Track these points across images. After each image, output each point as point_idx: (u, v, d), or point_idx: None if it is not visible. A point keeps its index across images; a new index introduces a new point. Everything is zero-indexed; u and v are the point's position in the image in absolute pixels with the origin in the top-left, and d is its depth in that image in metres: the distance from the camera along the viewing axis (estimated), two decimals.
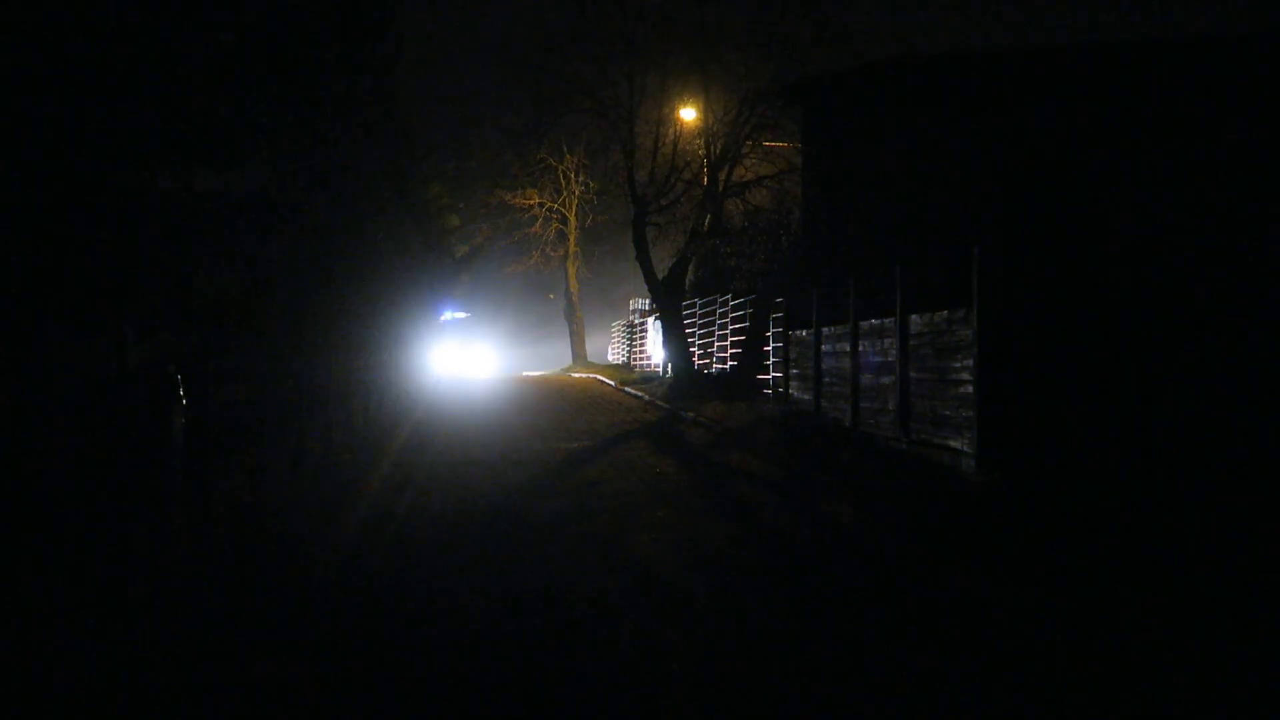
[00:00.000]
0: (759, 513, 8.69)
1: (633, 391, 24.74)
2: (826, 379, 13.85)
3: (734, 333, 24.11)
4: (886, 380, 11.32)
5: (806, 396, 14.69)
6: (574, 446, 13.38)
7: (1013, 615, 5.50)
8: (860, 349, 12.29)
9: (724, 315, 25.19)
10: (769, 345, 19.67)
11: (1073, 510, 7.85)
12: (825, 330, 13.89)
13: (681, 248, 24.34)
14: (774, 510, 8.87)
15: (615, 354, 46.43)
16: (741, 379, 21.10)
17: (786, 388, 16.31)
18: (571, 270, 42.55)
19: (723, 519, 8.31)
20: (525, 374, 38.74)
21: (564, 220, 40.94)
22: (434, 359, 37.16)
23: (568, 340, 45.15)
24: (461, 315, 46.29)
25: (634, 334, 40.93)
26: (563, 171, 38.87)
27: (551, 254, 41.64)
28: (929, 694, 4.33)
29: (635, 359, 39.47)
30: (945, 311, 9.86)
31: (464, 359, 42.89)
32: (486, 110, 36.01)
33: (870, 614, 5.54)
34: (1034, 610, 5.59)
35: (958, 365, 9.50)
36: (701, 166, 23.54)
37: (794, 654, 4.85)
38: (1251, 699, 4.31)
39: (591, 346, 46.71)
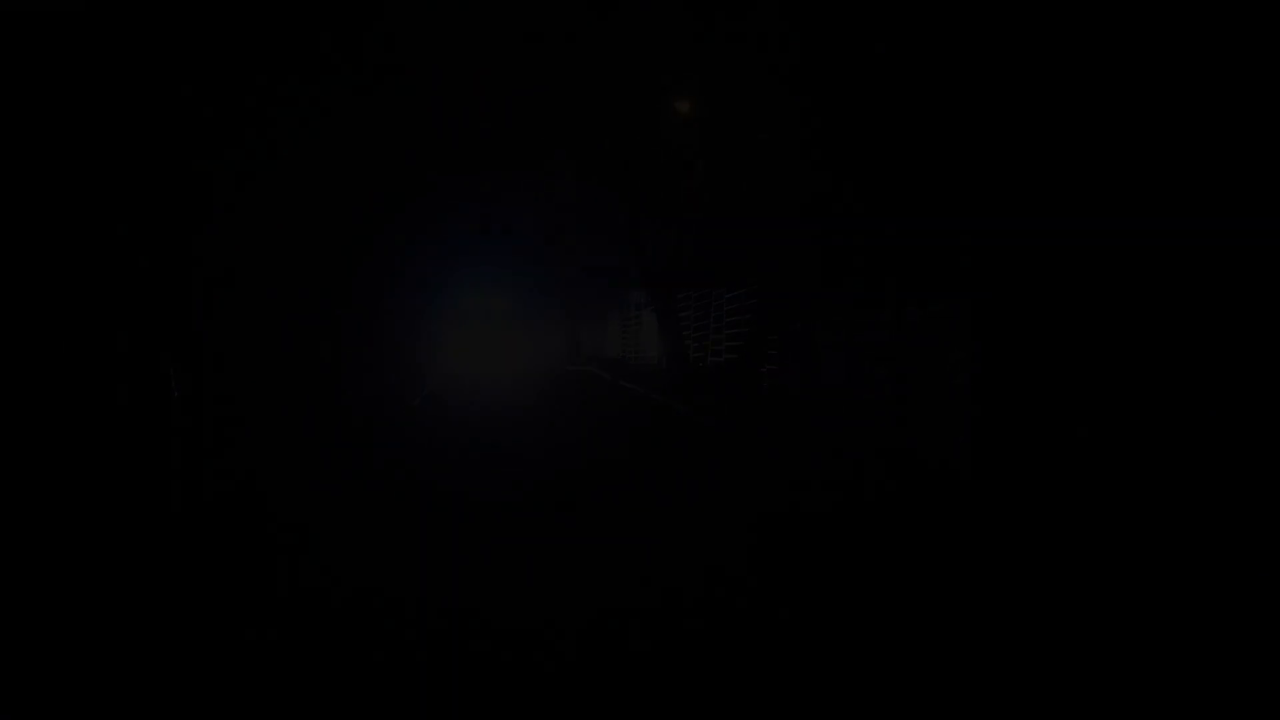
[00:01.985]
0: (753, 505, 8.66)
1: (628, 385, 24.73)
2: (822, 372, 13.83)
3: (730, 325, 24.07)
4: (882, 373, 11.30)
5: (803, 390, 14.66)
6: (572, 441, 13.37)
7: (1000, 608, 5.49)
8: (856, 341, 12.27)
9: (719, 308, 25.14)
10: (765, 338, 19.63)
11: (1068, 505, 7.83)
12: (820, 323, 13.87)
13: (677, 239, 24.28)
14: (766, 503, 8.84)
15: (611, 347, 46.42)
16: (738, 372, 21.08)
17: (782, 380, 16.29)
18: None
19: (717, 512, 8.28)
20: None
21: None
22: (449, 351, 36.57)
23: (563, 334, 45.10)
24: (491, 303, 45.30)
25: (629, 327, 40.92)
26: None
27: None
28: (916, 682, 4.32)
29: (631, 353, 39.47)
30: (942, 305, 9.84)
31: (492, 351, 42.13)
32: (482, 94, 35.81)
33: (862, 603, 5.53)
34: (1023, 604, 5.57)
35: (954, 359, 9.48)
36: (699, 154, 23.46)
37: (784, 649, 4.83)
38: (1247, 699, 4.30)
39: (588, 341, 46.67)
